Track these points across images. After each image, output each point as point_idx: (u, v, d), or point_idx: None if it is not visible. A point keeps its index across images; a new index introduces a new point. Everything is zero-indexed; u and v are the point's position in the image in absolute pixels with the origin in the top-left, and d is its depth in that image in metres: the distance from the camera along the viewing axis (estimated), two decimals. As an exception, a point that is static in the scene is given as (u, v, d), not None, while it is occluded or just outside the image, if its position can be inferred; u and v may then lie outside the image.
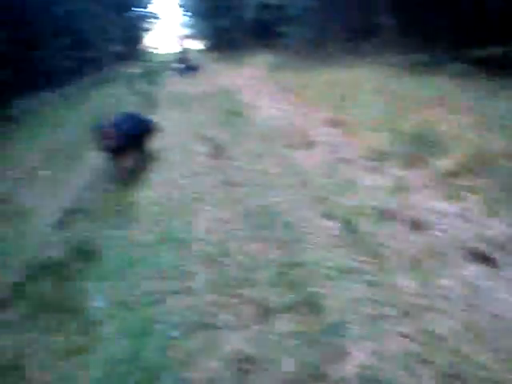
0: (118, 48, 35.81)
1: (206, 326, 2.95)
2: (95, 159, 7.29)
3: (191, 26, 37.08)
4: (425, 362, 2.46)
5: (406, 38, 9.91)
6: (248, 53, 18.00)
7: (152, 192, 5.61)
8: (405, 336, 2.63)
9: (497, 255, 3.20)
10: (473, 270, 3.12)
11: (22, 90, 13.81)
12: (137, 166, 6.34)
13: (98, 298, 3.42)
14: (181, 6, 43.91)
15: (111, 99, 14.89)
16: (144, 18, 42.18)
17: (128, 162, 6.14)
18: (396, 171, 4.84)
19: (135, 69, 27.44)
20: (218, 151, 6.90)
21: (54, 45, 17.18)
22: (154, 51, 45.78)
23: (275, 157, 6.21)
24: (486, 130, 5.14)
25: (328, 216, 4.23)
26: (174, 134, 8.43)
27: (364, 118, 6.42)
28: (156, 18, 43.06)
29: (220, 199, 5.07)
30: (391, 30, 9.69)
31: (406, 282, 3.07)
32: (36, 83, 14.98)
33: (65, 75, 17.94)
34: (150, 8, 42.47)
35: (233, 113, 9.32)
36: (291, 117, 8.24)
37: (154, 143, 7.73)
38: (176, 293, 3.36)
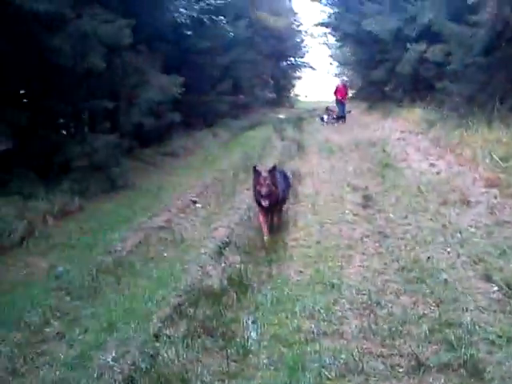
0: (270, 94, 37.87)
1: (358, 372, 2.99)
2: (246, 197, 7.78)
3: (342, 77, 37.82)
4: None
5: None
6: (401, 106, 17.95)
7: (302, 235, 5.82)
8: None
9: None
10: None
11: (182, 128, 15.31)
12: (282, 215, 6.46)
13: (252, 329, 3.63)
14: (331, 57, 45.35)
15: (260, 142, 15.73)
16: (298, 67, 44.08)
17: (276, 213, 6.15)
18: None
19: (284, 115, 28.72)
20: (368, 201, 6.97)
21: (215, 90, 18.71)
22: (304, 99, 47.49)
23: (429, 212, 6.11)
24: None
25: (487, 278, 4.07)
26: (324, 181, 8.69)
27: (527, 180, 6.10)
28: (309, 67, 44.65)
29: (371, 249, 5.12)
30: None
31: None
32: (193, 123, 16.45)
33: (218, 117, 19.40)
34: (306, 58, 44.33)
35: (383, 164, 9.35)
36: (445, 173, 8.04)
37: (306, 188, 8.05)
38: (328, 335, 3.46)
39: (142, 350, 3.41)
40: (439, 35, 13.79)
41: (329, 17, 31.22)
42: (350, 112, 21.58)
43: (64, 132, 8.74)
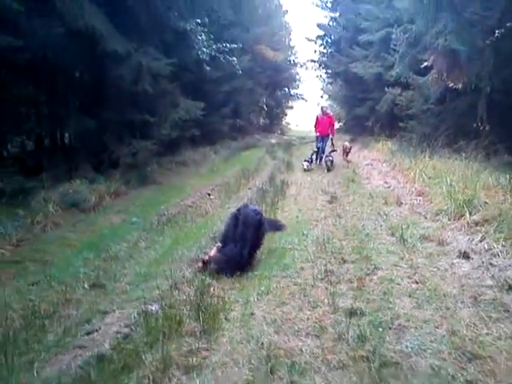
0: (264, 121, 41.17)
1: (312, 261, 5.98)
2: (247, 193, 10.83)
3: (330, 109, 41.02)
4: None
5: (500, 142, 12.40)
6: (376, 139, 21.17)
7: (287, 214, 8.85)
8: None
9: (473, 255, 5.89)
10: (458, 262, 5.81)
11: (189, 144, 18.45)
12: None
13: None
14: (322, 90, 49.01)
15: (255, 160, 18.82)
16: (291, 97, 47.55)
17: None
18: (445, 220, 7.56)
19: (276, 140, 31.96)
20: (333, 200, 10.02)
21: (219, 113, 21.88)
22: (295, 128, 50.95)
23: (372, 207, 9.15)
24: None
25: (392, 235, 7.10)
26: (304, 187, 11.77)
27: (440, 191, 9.11)
28: (301, 98, 48.15)
29: (330, 222, 8.16)
30: (488, 134, 12.29)
31: (421, 262, 5.84)
32: (198, 140, 19.55)
33: (219, 137, 22.60)
34: (299, 89, 47.91)
35: (350, 180, 12.47)
36: (393, 187, 11.14)
37: (291, 191, 11.12)
38: (298, 250, 6.49)
39: (200, 251, 6.38)
40: (409, 83, 17.12)
41: (322, 56, 34.79)
42: (333, 152, 16.52)
43: (115, 136, 11.69)
